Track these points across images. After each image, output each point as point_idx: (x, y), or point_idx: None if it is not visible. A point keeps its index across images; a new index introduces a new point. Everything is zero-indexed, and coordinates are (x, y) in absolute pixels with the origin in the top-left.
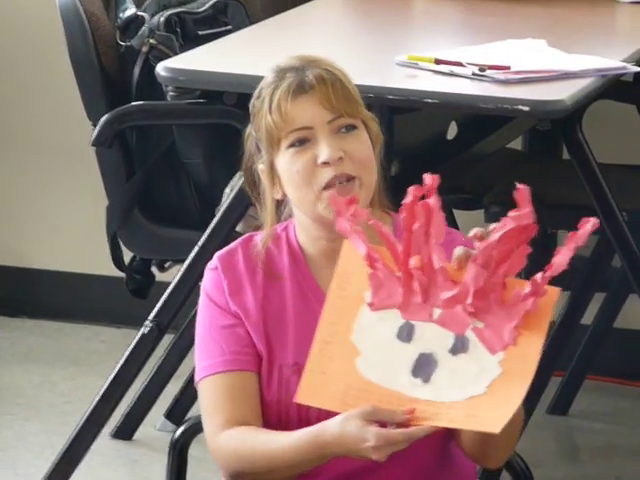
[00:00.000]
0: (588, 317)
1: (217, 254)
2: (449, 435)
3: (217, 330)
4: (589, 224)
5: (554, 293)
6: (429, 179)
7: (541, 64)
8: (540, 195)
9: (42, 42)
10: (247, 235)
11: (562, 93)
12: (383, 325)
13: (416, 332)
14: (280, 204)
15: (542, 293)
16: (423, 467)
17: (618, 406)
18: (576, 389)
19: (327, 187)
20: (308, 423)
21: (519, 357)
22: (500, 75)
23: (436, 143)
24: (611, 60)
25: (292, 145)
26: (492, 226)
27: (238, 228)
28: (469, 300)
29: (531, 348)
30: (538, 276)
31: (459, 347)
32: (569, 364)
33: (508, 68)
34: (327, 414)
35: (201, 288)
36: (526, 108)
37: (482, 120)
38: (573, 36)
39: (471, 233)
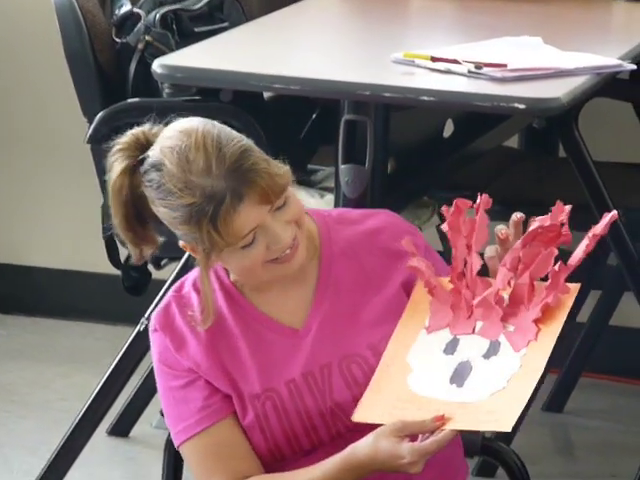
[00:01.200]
0: (584, 315)
1: (153, 314)
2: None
3: (177, 392)
4: (608, 215)
5: (574, 289)
6: (479, 198)
7: (537, 62)
8: (536, 193)
9: (38, 39)
10: (177, 284)
11: (558, 91)
12: (434, 343)
13: (460, 344)
14: None
15: (562, 287)
16: (432, 464)
17: (614, 403)
18: (572, 386)
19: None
20: (297, 441)
21: (536, 351)
22: (496, 73)
23: (432, 141)
24: (607, 58)
25: (242, 247)
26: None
27: None
28: (504, 304)
29: (547, 341)
30: (557, 266)
31: (492, 351)
32: (565, 362)
33: (504, 66)
34: (312, 425)
35: (152, 355)
36: (522, 106)
37: (478, 118)
38: (569, 34)
39: (496, 232)
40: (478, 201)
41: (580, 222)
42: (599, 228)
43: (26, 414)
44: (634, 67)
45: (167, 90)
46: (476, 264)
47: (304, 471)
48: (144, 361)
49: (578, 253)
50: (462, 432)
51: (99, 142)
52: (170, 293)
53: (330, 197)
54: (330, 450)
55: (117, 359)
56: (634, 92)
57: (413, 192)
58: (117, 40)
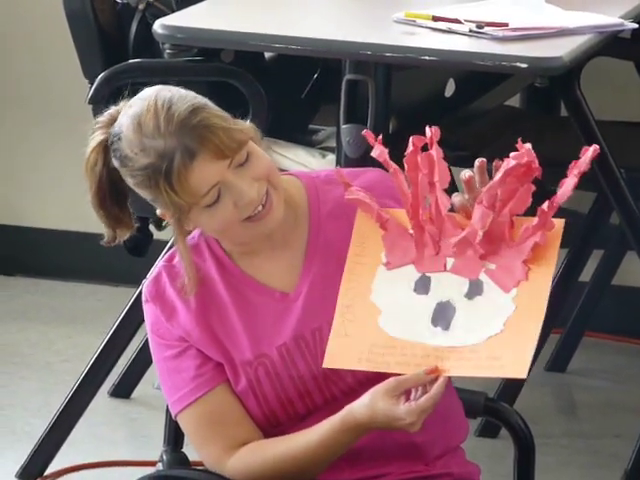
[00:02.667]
0: (586, 274)
1: (145, 285)
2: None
3: (171, 362)
4: (590, 150)
5: (560, 225)
6: (429, 131)
7: (539, 21)
8: (538, 152)
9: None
10: (169, 255)
11: (560, 50)
12: (400, 281)
13: (432, 283)
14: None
15: (550, 225)
16: (428, 419)
17: (616, 363)
18: (574, 346)
19: (249, 217)
20: (291, 406)
21: (531, 291)
22: (498, 32)
23: (434, 100)
24: (609, 17)
25: (207, 206)
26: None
27: None
28: (477, 241)
29: (541, 281)
30: (544, 205)
31: (474, 291)
32: (567, 321)
33: (506, 25)
34: (306, 389)
35: (146, 326)
36: (524, 65)
37: (480, 77)
38: None
39: (461, 176)
40: (429, 134)
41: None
42: (583, 164)
43: (28, 375)
44: (636, 26)
45: (168, 51)
46: (445, 201)
47: (301, 434)
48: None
49: (565, 191)
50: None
51: (100, 103)
52: (161, 263)
53: (332, 157)
54: (325, 414)
55: (119, 320)
56: (636, 51)
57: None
58: (118, 1)
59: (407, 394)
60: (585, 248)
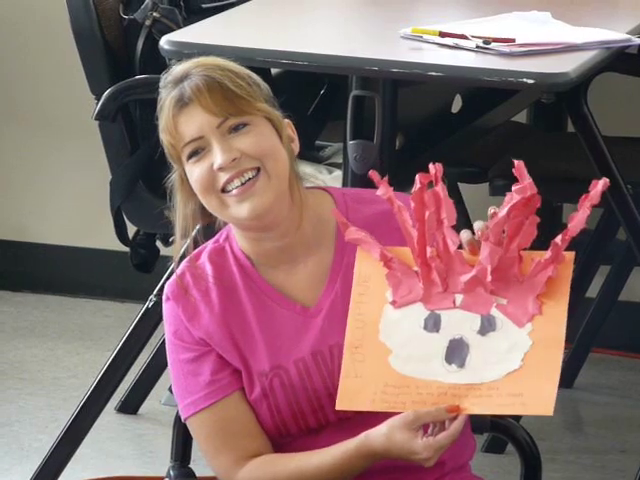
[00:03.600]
0: (593, 290)
1: (167, 284)
2: None
3: (187, 365)
4: (600, 183)
5: (570, 257)
6: (433, 168)
7: (546, 36)
8: (545, 168)
9: (46, 15)
10: (193, 254)
11: (567, 65)
12: (408, 320)
13: (442, 320)
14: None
15: (562, 258)
16: None
17: (623, 379)
18: (581, 362)
19: (225, 190)
20: (304, 419)
21: (547, 325)
22: (504, 48)
23: (441, 116)
24: (616, 32)
25: (189, 157)
26: (491, 209)
27: None
28: (488, 279)
29: (557, 313)
30: (558, 239)
31: (487, 327)
32: (574, 337)
33: (513, 41)
34: (320, 404)
35: (164, 325)
36: (530, 81)
37: (487, 93)
38: (578, 8)
39: (490, 212)
40: (433, 171)
41: None
42: (594, 197)
43: (36, 391)
44: None
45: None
46: (454, 238)
47: (314, 455)
48: (153, 338)
49: (578, 224)
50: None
51: (107, 119)
52: (185, 263)
53: (338, 173)
54: (337, 431)
55: (125, 336)
56: None
57: (421, 168)
58: (124, 17)
59: (425, 428)
60: (592, 264)
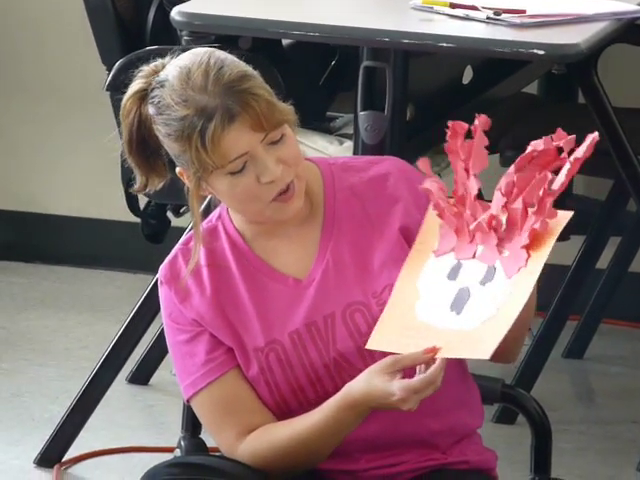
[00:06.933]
0: (603, 261)
1: (161, 267)
2: (465, 369)
3: (183, 346)
4: (589, 137)
5: (564, 215)
6: (478, 120)
7: (556, 8)
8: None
9: None
10: (186, 237)
11: (577, 37)
12: (439, 268)
13: (461, 270)
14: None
15: (550, 214)
16: (443, 405)
17: (634, 349)
18: (592, 333)
19: (273, 199)
20: (302, 392)
21: (524, 278)
22: (515, 19)
23: (451, 88)
24: (627, 4)
25: (231, 173)
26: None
27: None
28: (500, 226)
29: (533, 268)
30: (541, 192)
31: (487, 277)
32: (585, 308)
33: (523, 12)
34: (317, 376)
35: (161, 309)
36: (541, 52)
37: (497, 64)
38: None
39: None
40: (476, 122)
41: (600, 168)
42: (581, 151)
43: (47, 362)
44: None
45: (186, 37)
46: (474, 187)
47: (308, 415)
48: None
49: (561, 178)
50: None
51: (118, 90)
52: (177, 246)
53: (349, 144)
54: None
55: (136, 307)
56: None
57: (432, 139)
58: None
59: (408, 375)
60: (602, 235)
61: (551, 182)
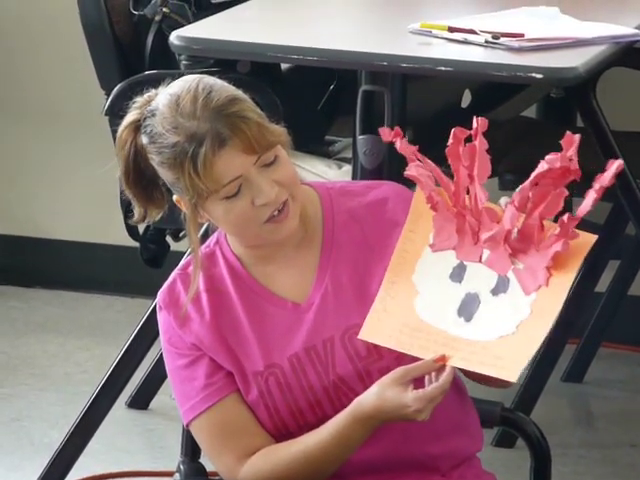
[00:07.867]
0: (602, 285)
1: (159, 293)
2: (465, 393)
3: (183, 371)
4: (614, 165)
5: (588, 239)
6: (476, 122)
7: (554, 31)
8: None
9: (56, 11)
10: (184, 262)
11: (575, 60)
12: (439, 266)
13: (467, 273)
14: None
15: (572, 235)
16: (443, 430)
17: (633, 373)
18: (591, 357)
19: (267, 220)
20: (302, 416)
21: (547, 299)
22: (513, 43)
23: (450, 111)
24: (624, 27)
25: (226, 197)
26: (503, 199)
27: None
28: (512, 238)
29: (558, 290)
30: (565, 217)
31: (500, 287)
32: (584, 332)
33: (521, 36)
34: (316, 399)
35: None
36: (539, 75)
37: (496, 88)
38: (586, 3)
39: (501, 202)
40: (475, 125)
41: None
42: (606, 179)
43: (46, 387)
44: None
45: (184, 62)
46: (482, 197)
47: (313, 433)
48: None
49: (587, 204)
50: (465, 371)
51: (117, 114)
52: (176, 271)
53: (348, 168)
54: None
55: (136, 332)
56: None
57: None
58: (134, 12)
59: (418, 385)
60: (601, 258)
61: (567, 201)
